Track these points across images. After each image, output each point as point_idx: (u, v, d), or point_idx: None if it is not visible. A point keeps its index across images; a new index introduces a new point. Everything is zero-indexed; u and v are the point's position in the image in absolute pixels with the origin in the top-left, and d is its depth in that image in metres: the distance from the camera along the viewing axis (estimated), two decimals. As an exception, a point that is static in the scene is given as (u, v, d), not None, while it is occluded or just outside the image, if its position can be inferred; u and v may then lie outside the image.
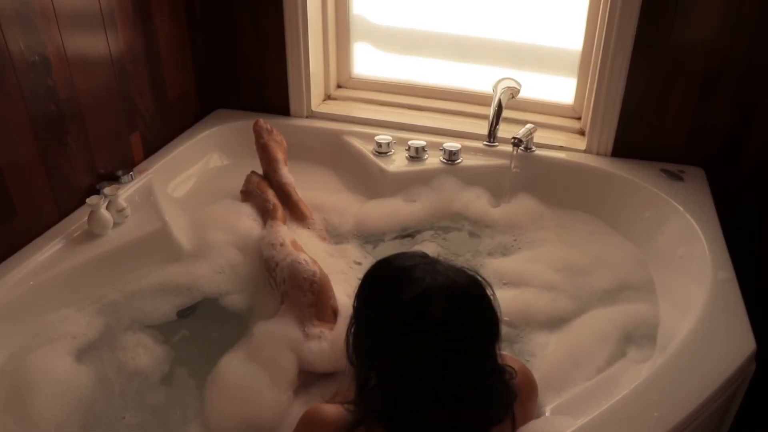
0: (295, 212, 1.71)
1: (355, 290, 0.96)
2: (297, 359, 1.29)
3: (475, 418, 0.90)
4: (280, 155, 1.81)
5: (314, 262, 1.44)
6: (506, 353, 1.02)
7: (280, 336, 1.33)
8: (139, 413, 1.24)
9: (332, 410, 0.94)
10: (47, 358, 1.27)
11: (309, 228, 1.69)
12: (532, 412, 1.08)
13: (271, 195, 1.72)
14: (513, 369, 0.94)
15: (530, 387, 1.07)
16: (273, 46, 1.96)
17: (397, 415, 0.89)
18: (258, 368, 1.27)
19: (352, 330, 0.95)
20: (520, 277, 1.55)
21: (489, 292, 0.90)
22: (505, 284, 1.54)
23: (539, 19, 1.93)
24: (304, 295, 1.37)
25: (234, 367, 1.29)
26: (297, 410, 1.22)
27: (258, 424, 1.20)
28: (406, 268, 0.90)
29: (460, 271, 0.91)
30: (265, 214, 1.67)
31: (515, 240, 1.72)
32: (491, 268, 1.59)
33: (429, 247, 1.70)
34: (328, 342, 1.31)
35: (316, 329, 1.33)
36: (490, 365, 0.91)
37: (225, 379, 1.27)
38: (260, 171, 1.83)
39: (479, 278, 0.91)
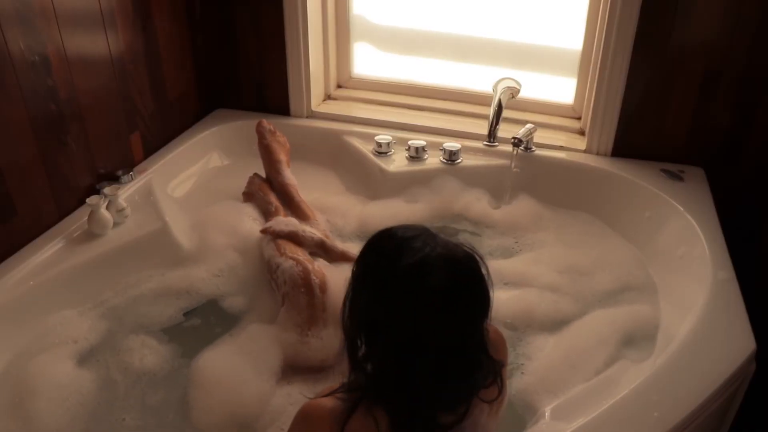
0: (297, 213, 1.70)
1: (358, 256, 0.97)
2: (285, 353, 1.31)
3: (460, 387, 0.90)
4: (282, 156, 1.81)
5: (312, 262, 1.44)
6: None
7: (270, 331, 1.34)
8: (140, 415, 1.24)
9: (327, 402, 0.94)
10: (49, 363, 1.27)
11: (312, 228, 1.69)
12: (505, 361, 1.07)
13: (273, 197, 1.72)
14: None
15: (497, 336, 1.06)
16: (273, 46, 1.96)
17: (385, 383, 0.89)
18: (242, 360, 1.28)
19: (349, 294, 0.95)
20: (522, 278, 1.55)
21: (483, 269, 0.92)
22: (506, 284, 1.54)
23: (539, 19, 1.93)
24: (303, 295, 1.37)
25: (218, 360, 1.30)
26: (279, 401, 1.23)
27: (242, 414, 1.21)
28: (407, 238, 0.91)
29: (458, 245, 0.92)
30: (267, 216, 1.67)
31: (516, 241, 1.72)
32: (493, 268, 1.53)
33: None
34: (324, 339, 1.32)
35: (313, 329, 1.34)
36: (477, 340, 0.91)
37: (208, 371, 1.27)
38: (261, 171, 1.83)
39: (476, 255, 0.93)
